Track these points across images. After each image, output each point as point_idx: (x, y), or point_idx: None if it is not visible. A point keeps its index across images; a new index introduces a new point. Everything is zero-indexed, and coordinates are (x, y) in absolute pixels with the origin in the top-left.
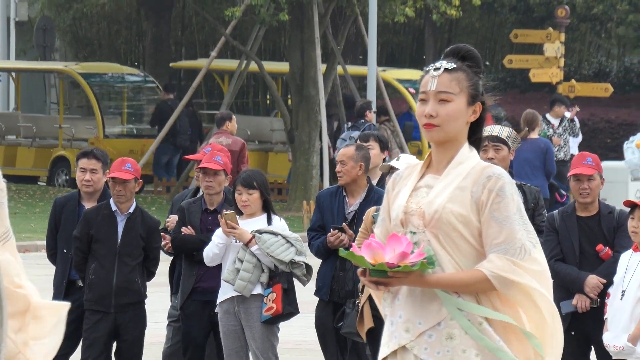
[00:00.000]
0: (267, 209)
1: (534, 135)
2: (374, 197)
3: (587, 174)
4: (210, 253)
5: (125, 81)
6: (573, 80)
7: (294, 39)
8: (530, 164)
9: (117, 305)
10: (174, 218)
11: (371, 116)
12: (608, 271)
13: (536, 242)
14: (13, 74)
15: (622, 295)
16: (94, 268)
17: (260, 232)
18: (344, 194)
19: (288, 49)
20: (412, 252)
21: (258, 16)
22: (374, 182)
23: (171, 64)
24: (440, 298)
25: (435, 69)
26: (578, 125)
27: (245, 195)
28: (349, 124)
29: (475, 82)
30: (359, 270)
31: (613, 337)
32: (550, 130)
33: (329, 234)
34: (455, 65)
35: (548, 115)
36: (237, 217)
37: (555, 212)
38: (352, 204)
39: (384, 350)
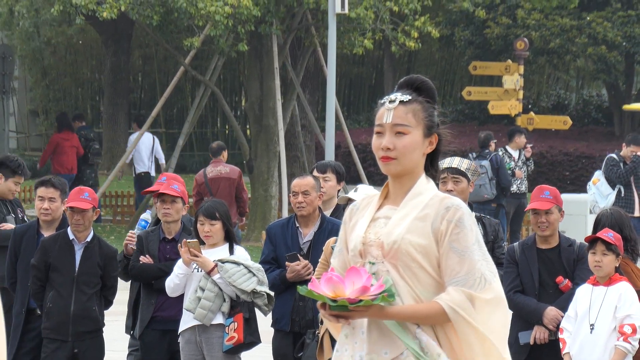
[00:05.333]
0: (230, 239)
1: None
2: (327, 226)
3: (544, 209)
4: (171, 284)
5: None
6: (532, 113)
7: (253, 69)
8: None
9: (75, 333)
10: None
11: (493, 146)
12: (567, 303)
13: (495, 273)
14: None
15: (592, 328)
16: (52, 296)
17: (222, 261)
18: (297, 225)
19: (247, 79)
20: (372, 285)
21: (217, 46)
22: (328, 212)
23: None
24: (395, 333)
25: (391, 102)
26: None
27: (207, 226)
28: (474, 154)
29: (431, 114)
30: (319, 303)
31: None
32: (512, 163)
33: (287, 272)
34: (410, 97)
35: (508, 147)
36: (200, 246)
37: (516, 244)
38: (307, 234)
39: None
